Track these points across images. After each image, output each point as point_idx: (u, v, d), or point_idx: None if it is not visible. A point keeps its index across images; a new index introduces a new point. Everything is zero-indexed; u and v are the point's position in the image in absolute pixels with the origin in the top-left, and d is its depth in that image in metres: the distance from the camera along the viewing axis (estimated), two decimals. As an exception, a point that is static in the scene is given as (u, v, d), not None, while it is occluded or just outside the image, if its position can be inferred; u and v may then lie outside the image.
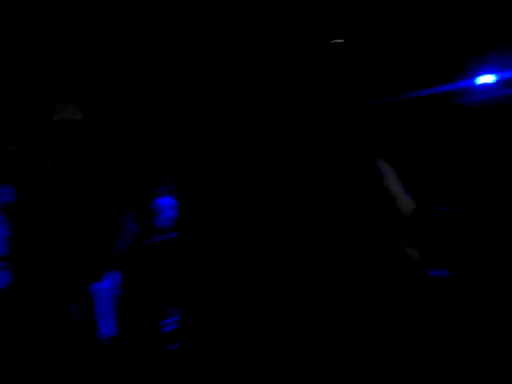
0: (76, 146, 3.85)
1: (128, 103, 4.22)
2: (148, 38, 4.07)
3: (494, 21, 3.89)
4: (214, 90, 4.50)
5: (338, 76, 4.55)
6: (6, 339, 2.76)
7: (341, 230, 2.28)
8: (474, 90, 4.23)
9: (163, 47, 4.20)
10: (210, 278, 3.55)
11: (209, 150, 4.54)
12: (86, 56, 4.08)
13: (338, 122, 4.37)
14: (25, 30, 3.78)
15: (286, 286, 3.76)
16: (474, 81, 4.23)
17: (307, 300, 3.11)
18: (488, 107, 4.21)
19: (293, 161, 4.58)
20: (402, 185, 2.12)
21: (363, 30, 4.25)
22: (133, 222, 2.90)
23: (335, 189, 2.28)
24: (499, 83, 4.13)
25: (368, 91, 4.52)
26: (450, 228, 3.68)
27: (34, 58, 4.04)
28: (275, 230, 4.34)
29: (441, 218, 3.58)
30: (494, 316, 2.98)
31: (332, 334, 2.36)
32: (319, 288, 2.89)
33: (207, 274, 3.43)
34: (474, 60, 4.16)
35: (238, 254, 4.14)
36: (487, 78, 4.13)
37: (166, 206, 2.99)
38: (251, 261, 4.17)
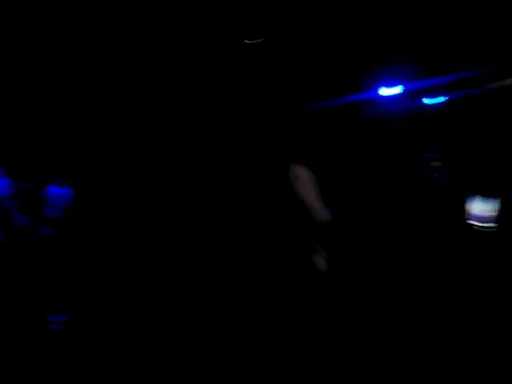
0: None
1: (26, 88, 3.86)
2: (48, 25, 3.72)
3: (400, 34, 4.08)
4: (111, 80, 4.27)
5: (244, 86, 4.53)
6: None
7: (253, 235, 2.23)
8: (378, 101, 4.41)
9: (56, 35, 3.87)
10: (100, 276, 3.30)
11: (106, 143, 4.27)
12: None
13: (251, 130, 4.34)
14: None
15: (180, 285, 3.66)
16: (377, 92, 4.41)
17: (214, 299, 3.04)
18: (390, 119, 4.44)
19: (201, 165, 4.48)
20: (319, 195, 2.12)
21: (272, 40, 4.25)
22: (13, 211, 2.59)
23: (249, 196, 2.22)
24: (403, 95, 4.35)
25: (273, 101, 4.54)
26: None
27: None
28: (171, 229, 4.21)
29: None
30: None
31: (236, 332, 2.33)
32: (222, 287, 2.81)
33: (97, 271, 3.19)
34: (378, 72, 4.34)
35: (130, 251, 3.94)
36: (391, 90, 4.32)
37: (58, 195, 2.74)
38: (146, 258, 3.99)
